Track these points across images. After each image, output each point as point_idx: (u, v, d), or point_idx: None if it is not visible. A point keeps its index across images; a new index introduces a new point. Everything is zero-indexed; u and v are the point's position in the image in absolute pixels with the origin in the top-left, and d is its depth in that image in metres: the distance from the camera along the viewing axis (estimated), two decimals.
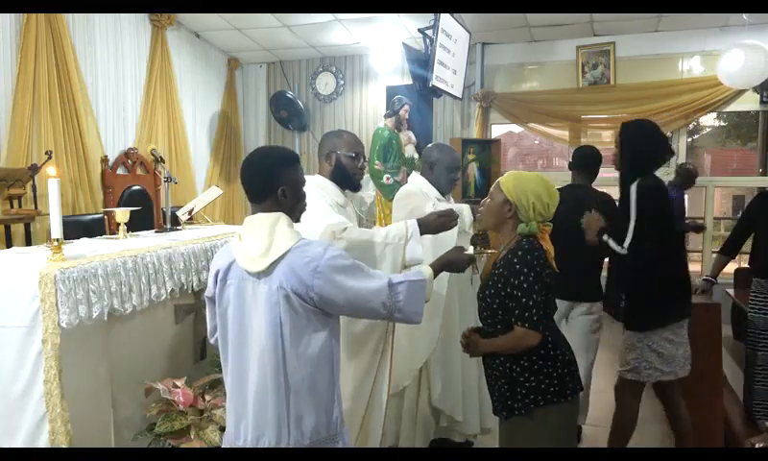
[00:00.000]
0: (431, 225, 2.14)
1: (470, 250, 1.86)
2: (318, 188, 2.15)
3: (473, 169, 5.78)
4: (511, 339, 1.74)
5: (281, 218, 1.51)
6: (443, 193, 2.77)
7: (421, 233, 2.11)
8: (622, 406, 2.56)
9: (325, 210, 2.07)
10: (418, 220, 2.13)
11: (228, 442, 1.58)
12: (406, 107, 5.37)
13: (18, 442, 1.94)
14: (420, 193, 2.67)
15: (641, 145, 2.42)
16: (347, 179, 2.24)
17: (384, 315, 1.55)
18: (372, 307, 1.51)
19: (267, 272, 1.46)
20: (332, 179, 2.22)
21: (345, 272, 1.46)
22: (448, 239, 2.37)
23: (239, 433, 1.53)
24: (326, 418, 1.51)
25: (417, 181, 2.77)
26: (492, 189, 1.86)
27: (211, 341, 1.69)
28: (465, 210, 2.67)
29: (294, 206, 1.58)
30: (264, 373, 1.47)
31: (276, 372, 1.46)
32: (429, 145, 2.93)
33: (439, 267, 1.76)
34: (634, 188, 2.35)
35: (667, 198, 2.44)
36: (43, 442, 1.91)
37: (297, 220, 1.61)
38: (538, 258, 1.72)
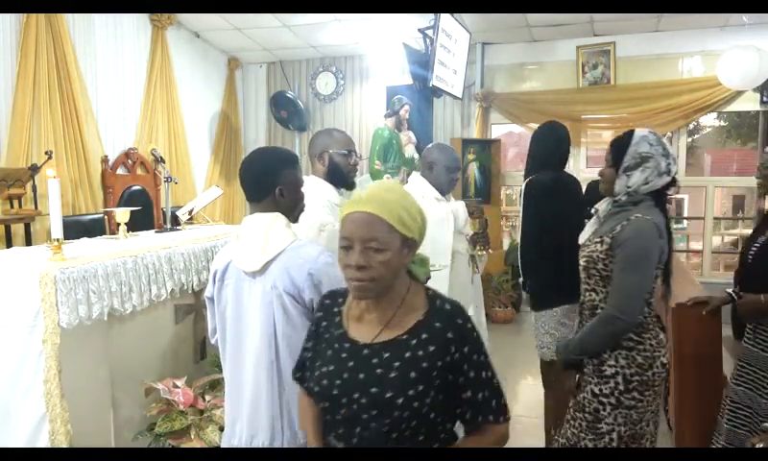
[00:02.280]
0: None
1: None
2: (312, 189, 2.14)
3: (473, 169, 5.78)
4: None
5: (279, 218, 1.51)
6: (442, 193, 2.77)
7: None
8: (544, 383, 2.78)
9: (317, 213, 2.06)
10: None
11: (225, 441, 1.58)
12: (406, 107, 5.37)
13: (18, 442, 1.94)
14: (418, 197, 2.66)
15: (535, 146, 2.70)
16: (341, 177, 2.22)
17: None
18: None
19: (262, 271, 1.47)
20: (326, 178, 2.20)
21: (335, 279, 1.47)
22: (442, 240, 2.38)
23: (234, 432, 1.53)
24: None
25: (416, 183, 2.77)
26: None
27: (212, 341, 1.69)
28: (459, 210, 2.67)
29: (292, 207, 1.58)
30: (258, 372, 1.48)
31: (270, 371, 1.47)
32: (429, 145, 2.93)
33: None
34: (523, 185, 2.66)
35: (552, 194, 2.55)
36: (43, 442, 1.91)
37: (295, 220, 1.61)
38: None
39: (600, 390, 1.74)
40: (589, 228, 1.87)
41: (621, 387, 1.72)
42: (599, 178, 1.86)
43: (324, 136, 2.23)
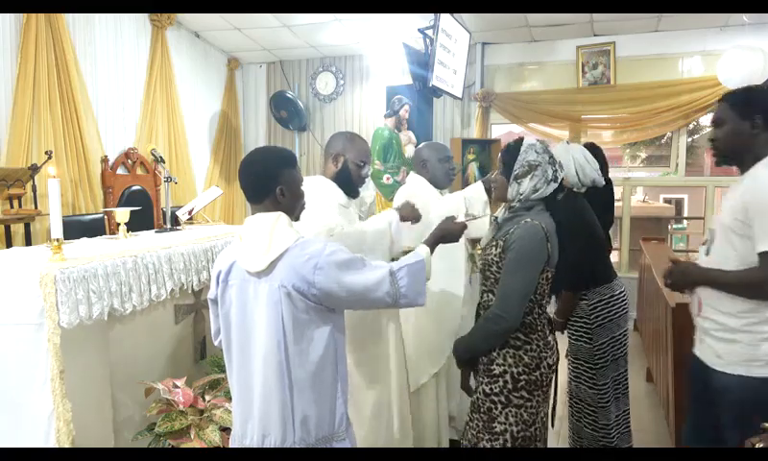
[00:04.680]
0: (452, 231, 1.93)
1: (462, 217, 1.96)
2: (320, 189, 2.14)
3: (473, 169, 5.78)
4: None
5: (281, 217, 1.51)
6: (442, 188, 2.76)
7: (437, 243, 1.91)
8: None
9: (325, 212, 2.06)
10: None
11: (235, 441, 1.58)
12: (406, 107, 5.37)
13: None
14: (419, 195, 2.66)
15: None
16: (349, 184, 2.22)
17: (389, 303, 1.53)
18: (377, 297, 1.50)
19: (267, 271, 1.47)
20: (336, 180, 2.20)
21: (345, 266, 1.46)
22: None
23: (246, 432, 1.53)
24: (330, 416, 1.52)
25: (415, 182, 2.76)
26: None
27: (215, 343, 1.69)
28: (474, 195, 2.62)
29: (293, 206, 1.58)
30: (268, 372, 1.48)
31: (280, 370, 1.47)
32: (419, 145, 2.92)
33: (433, 242, 1.76)
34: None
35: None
36: (53, 439, 1.91)
37: (296, 219, 1.61)
38: None
39: (491, 389, 1.80)
40: (489, 233, 1.93)
41: (510, 385, 1.77)
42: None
43: (344, 140, 2.22)
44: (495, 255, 1.80)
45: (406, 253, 2.02)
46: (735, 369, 1.67)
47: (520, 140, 1.84)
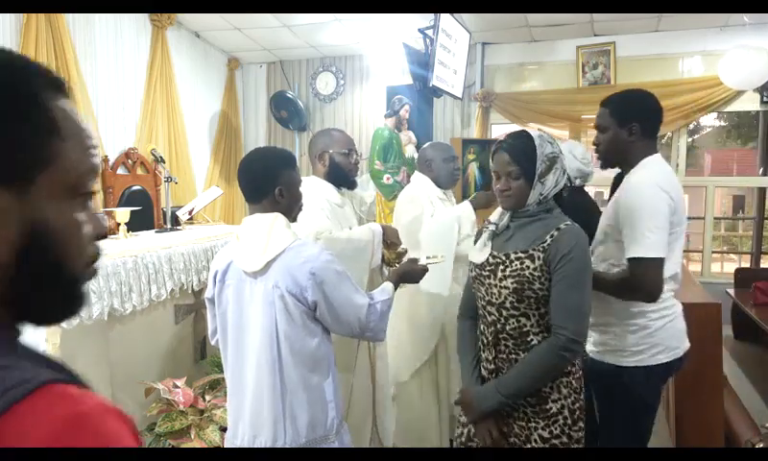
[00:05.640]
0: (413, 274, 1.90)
1: (423, 260, 1.88)
2: (312, 190, 2.14)
3: (473, 169, 5.78)
4: None
5: (278, 218, 1.52)
6: (446, 188, 2.76)
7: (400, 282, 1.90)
8: None
9: (314, 215, 2.05)
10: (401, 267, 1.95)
11: (228, 442, 1.59)
12: (406, 107, 5.36)
13: None
14: (423, 197, 2.66)
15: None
16: (342, 176, 2.22)
17: (355, 332, 1.55)
18: (348, 321, 1.51)
19: (263, 271, 1.47)
20: (327, 179, 2.20)
21: (336, 278, 1.48)
22: (448, 241, 2.38)
23: (237, 432, 1.54)
24: (323, 417, 1.52)
25: (419, 182, 2.76)
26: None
27: (212, 342, 1.70)
28: (463, 215, 2.61)
29: (291, 206, 1.59)
30: (260, 372, 1.48)
31: (272, 371, 1.47)
32: (423, 146, 2.92)
33: (396, 281, 1.75)
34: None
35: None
36: None
37: (294, 220, 1.62)
38: None
39: (550, 432, 1.50)
40: (485, 245, 1.62)
41: (569, 421, 1.52)
42: (501, 192, 1.59)
43: (323, 137, 2.23)
44: (535, 269, 1.49)
45: (390, 260, 2.04)
46: (607, 358, 1.81)
47: (528, 136, 1.56)
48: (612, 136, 1.83)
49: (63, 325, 1.90)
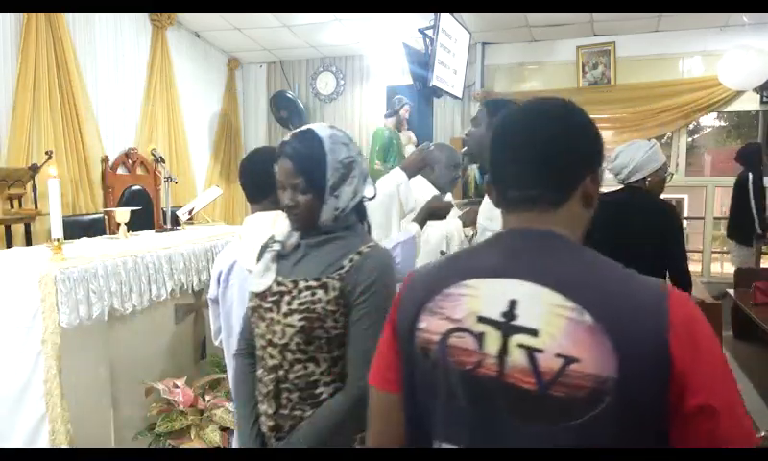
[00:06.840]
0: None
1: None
2: None
3: (473, 169, 5.78)
4: None
5: (281, 216, 1.51)
6: (444, 192, 2.76)
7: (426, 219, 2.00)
8: None
9: None
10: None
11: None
12: (406, 107, 5.36)
13: (18, 442, 1.94)
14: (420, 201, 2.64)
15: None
16: None
17: None
18: None
19: None
20: None
21: None
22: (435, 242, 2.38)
23: None
24: None
25: (417, 184, 2.75)
26: None
27: (216, 342, 1.69)
28: (455, 236, 2.55)
29: None
30: None
31: None
32: (430, 146, 2.92)
33: (422, 219, 1.88)
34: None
35: None
36: (43, 442, 1.91)
37: None
38: None
39: None
40: (267, 269, 1.26)
41: None
42: (287, 209, 1.25)
43: None
44: (328, 303, 1.21)
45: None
46: None
47: (316, 138, 1.25)
48: (482, 136, 1.83)
49: (63, 324, 1.91)
